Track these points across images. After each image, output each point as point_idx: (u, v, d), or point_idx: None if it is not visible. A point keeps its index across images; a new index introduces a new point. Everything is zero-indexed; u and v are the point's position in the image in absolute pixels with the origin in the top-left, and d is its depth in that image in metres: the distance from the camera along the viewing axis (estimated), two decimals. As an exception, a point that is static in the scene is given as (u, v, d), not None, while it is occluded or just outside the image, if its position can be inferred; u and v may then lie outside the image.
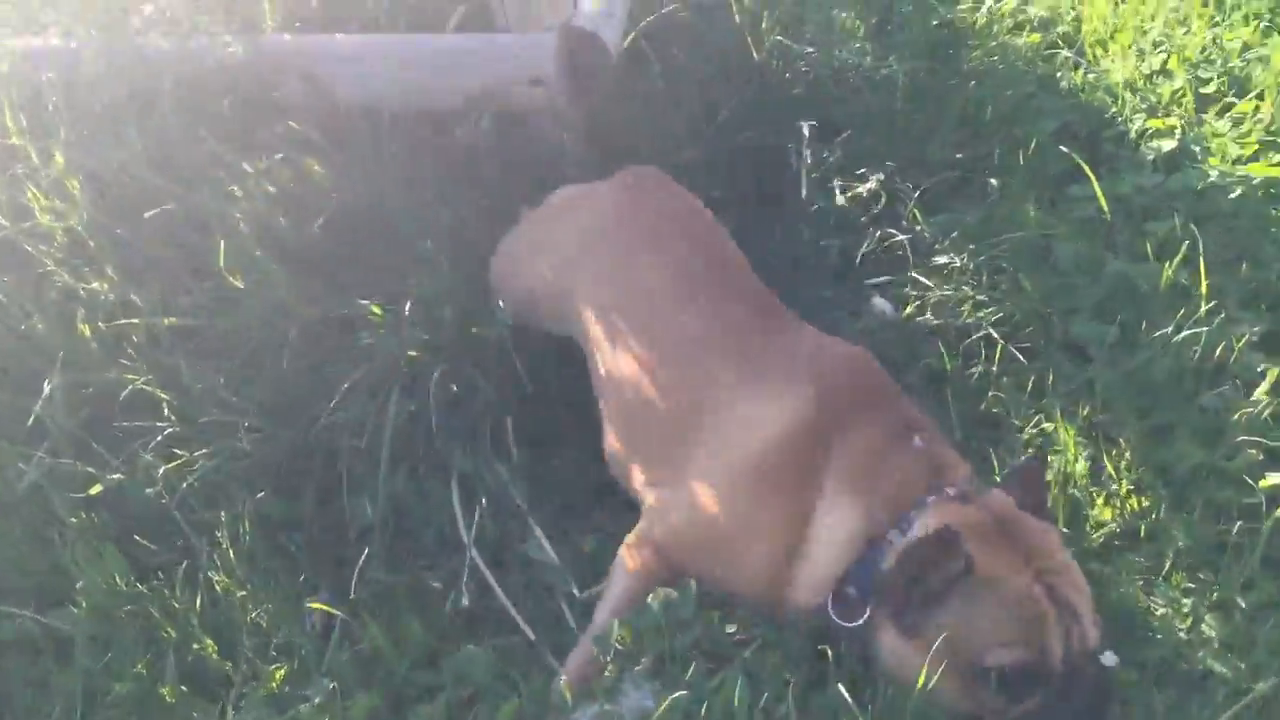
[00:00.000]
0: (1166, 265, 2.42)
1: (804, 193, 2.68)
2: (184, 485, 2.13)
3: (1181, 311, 2.32)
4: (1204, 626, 1.87)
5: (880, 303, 2.54)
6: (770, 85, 2.90)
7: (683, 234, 2.28)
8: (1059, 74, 3.22)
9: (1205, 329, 2.28)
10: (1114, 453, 2.15)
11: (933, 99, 3.01)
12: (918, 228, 2.65)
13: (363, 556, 2.08)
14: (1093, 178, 2.65)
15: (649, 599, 1.87)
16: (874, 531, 1.81)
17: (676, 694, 1.72)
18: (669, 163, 2.67)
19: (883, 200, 2.72)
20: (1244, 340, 2.29)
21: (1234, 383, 2.26)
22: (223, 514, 2.08)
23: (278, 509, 2.19)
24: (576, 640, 1.93)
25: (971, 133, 2.97)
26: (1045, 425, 2.23)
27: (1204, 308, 2.32)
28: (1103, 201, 2.63)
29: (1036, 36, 3.37)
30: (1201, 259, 2.39)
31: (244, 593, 2.00)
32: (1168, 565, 1.97)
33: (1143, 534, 2.03)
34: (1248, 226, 2.65)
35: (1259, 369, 2.28)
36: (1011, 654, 1.67)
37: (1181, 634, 1.87)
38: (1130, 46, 3.30)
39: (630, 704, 1.80)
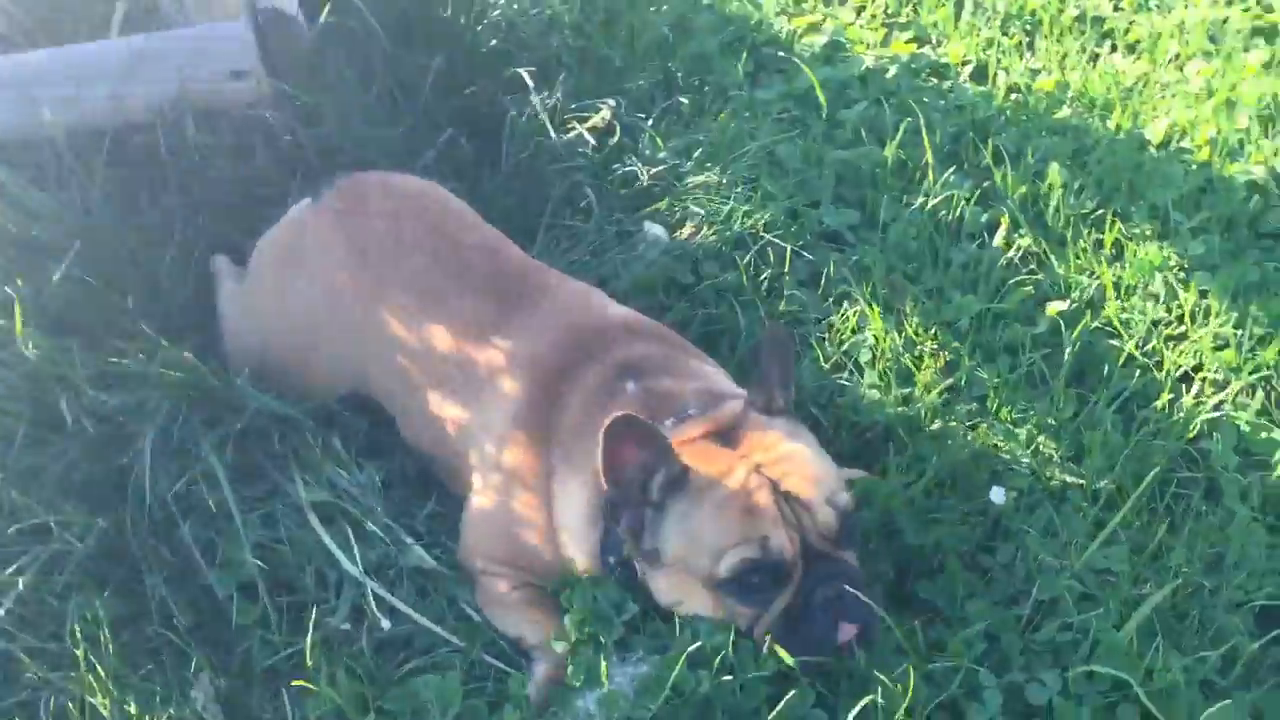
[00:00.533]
0: (891, 145, 2.72)
1: (552, 136, 2.67)
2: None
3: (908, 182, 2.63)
4: (1042, 448, 2.16)
5: (652, 228, 2.62)
6: (466, 41, 2.84)
7: (415, 244, 2.18)
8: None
9: (934, 197, 2.61)
10: (907, 320, 2.41)
11: (624, 32, 3.08)
12: (661, 154, 2.74)
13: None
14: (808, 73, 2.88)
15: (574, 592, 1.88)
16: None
17: (670, 654, 1.76)
18: (387, 139, 2.59)
19: (618, 133, 2.77)
20: (966, 200, 2.64)
21: (970, 237, 2.60)
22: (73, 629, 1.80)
23: (128, 605, 1.93)
24: (496, 639, 1.95)
25: (662, 61, 3.09)
26: (844, 311, 2.44)
27: (932, 178, 2.64)
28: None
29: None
30: (923, 135, 2.70)
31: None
32: (995, 405, 2.25)
33: (963, 383, 2.30)
34: (912, 99, 3.00)
35: (982, 220, 2.63)
36: (738, 556, 1.70)
37: (1026, 461, 2.14)
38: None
39: (623, 677, 1.81)
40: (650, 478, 1.76)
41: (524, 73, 2.75)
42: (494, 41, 2.87)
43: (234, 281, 2.37)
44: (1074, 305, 2.43)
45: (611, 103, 2.74)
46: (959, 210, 2.64)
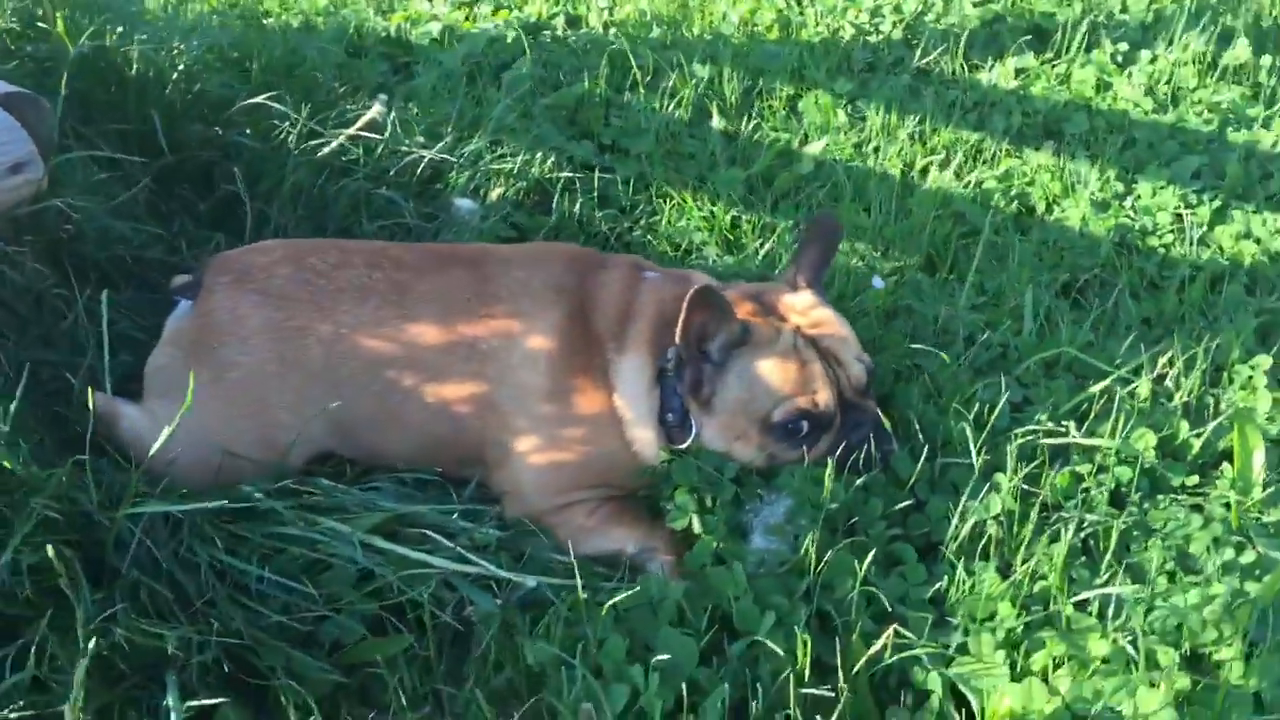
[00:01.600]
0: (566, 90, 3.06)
1: (323, 153, 2.61)
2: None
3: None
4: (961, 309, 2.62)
5: (461, 202, 2.70)
6: (167, 100, 2.63)
7: (340, 265, 2.13)
8: None
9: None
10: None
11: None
12: (419, 139, 2.80)
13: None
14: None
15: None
16: (659, 365, 2.06)
17: (797, 481, 2.01)
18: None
19: (388, 128, 2.77)
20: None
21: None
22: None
23: None
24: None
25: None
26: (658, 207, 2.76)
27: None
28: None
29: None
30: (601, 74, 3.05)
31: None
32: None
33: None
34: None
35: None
36: (793, 405, 2.00)
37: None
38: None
39: (771, 516, 2.04)
40: (711, 339, 2.01)
41: (263, 101, 2.63)
42: (190, 93, 2.69)
43: (136, 409, 2.08)
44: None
45: (383, 96, 2.73)
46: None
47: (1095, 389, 2.13)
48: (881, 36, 3.52)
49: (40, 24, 2.55)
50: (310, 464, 2.10)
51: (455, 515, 2.01)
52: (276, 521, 1.88)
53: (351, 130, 2.61)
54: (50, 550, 1.57)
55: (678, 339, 1.98)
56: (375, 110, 2.57)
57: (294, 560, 1.87)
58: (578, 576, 1.81)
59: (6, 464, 1.65)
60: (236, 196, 2.53)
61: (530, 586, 1.91)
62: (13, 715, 1.54)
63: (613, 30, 3.54)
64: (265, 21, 3.38)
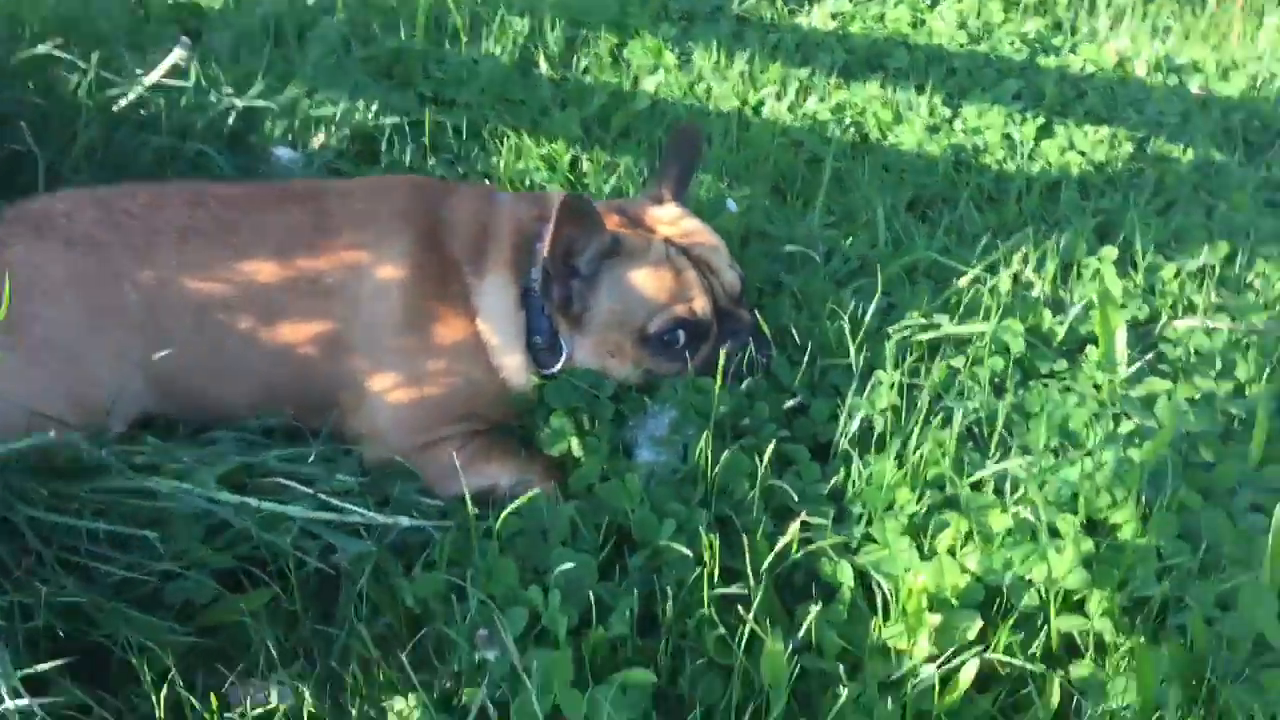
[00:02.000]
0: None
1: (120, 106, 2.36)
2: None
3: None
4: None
5: (281, 151, 2.50)
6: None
7: (155, 205, 1.92)
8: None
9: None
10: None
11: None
12: (227, 89, 2.58)
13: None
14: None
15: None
16: (522, 285, 1.96)
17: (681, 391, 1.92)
18: None
19: (193, 74, 2.53)
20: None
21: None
22: None
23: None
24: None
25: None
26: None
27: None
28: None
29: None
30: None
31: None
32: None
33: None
34: None
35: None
36: (669, 314, 1.90)
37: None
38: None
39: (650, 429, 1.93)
40: (579, 253, 1.90)
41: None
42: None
43: None
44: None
45: (185, 39, 2.48)
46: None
47: (962, 282, 2.12)
48: (699, -9, 3.50)
49: None
50: (132, 428, 1.86)
51: (310, 460, 1.82)
52: (104, 476, 1.65)
53: (153, 76, 2.37)
54: None
55: (545, 253, 1.86)
56: (177, 54, 2.35)
57: (129, 517, 1.64)
58: (465, 508, 1.65)
59: None
60: (20, 159, 2.26)
61: (403, 526, 1.74)
62: None
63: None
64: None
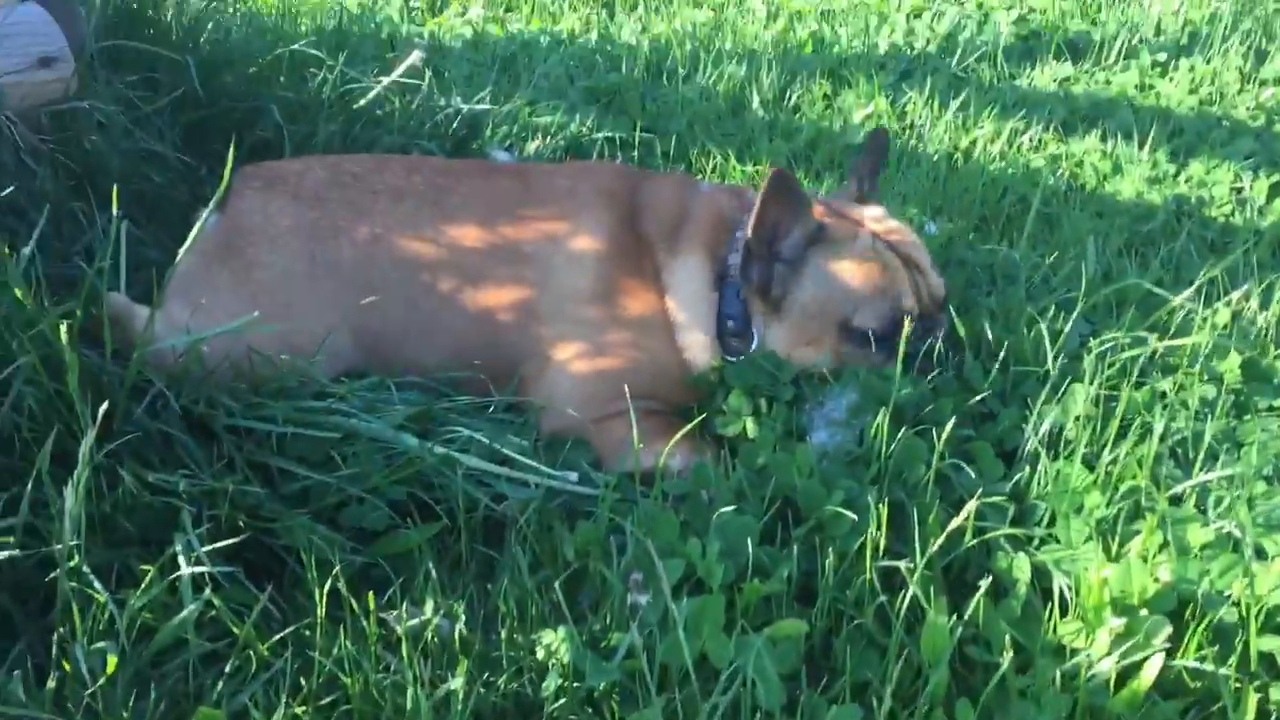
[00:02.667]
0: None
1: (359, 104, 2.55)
2: None
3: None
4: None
5: (498, 153, 2.63)
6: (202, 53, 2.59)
7: (376, 170, 2.06)
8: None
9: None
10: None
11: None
12: (456, 98, 2.75)
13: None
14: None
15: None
16: (717, 270, 1.97)
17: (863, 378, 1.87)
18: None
19: (427, 77, 2.72)
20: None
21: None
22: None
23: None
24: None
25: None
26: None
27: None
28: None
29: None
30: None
31: None
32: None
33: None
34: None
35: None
36: (874, 307, 1.88)
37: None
38: None
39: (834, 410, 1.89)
40: (784, 236, 1.89)
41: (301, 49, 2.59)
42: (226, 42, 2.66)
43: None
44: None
45: (421, 41, 2.68)
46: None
47: (1176, 301, 2.00)
48: (916, 51, 3.51)
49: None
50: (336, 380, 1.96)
51: (490, 413, 1.87)
52: (300, 397, 1.74)
53: (391, 77, 2.55)
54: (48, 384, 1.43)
55: (749, 231, 1.87)
56: (415, 56, 2.52)
57: (318, 441, 1.72)
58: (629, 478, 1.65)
59: (18, 293, 1.52)
60: (268, 147, 2.46)
61: (571, 483, 1.76)
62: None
63: (646, 43, 3.54)
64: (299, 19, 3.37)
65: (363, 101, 2.57)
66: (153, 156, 2.29)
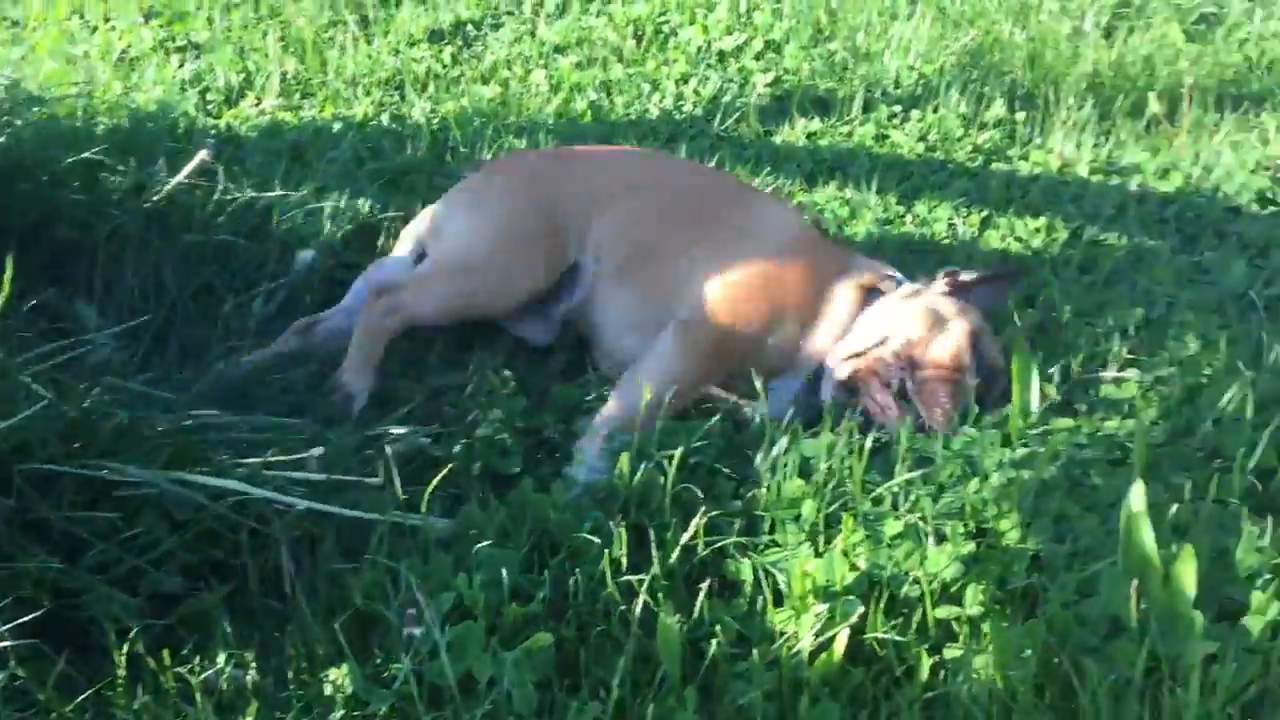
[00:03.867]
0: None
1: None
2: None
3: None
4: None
5: (303, 254, 2.83)
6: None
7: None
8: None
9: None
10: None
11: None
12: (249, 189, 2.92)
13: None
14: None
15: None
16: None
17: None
18: None
19: (220, 174, 2.88)
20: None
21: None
22: None
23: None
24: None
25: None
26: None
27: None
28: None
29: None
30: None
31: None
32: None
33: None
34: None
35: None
36: None
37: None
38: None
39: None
40: None
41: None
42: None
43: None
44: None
45: (210, 142, 2.85)
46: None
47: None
48: (684, 115, 3.84)
49: None
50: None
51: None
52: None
53: (179, 177, 2.72)
54: None
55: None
56: (202, 154, 2.70)
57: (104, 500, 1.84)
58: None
59: None
60: (67, 249, 2.59)
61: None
62: None
63: (436, 122, 3.77)
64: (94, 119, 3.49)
65: (154, 199, 2.73)
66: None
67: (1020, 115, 3.71)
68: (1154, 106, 3.68)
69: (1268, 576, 1.73)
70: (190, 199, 2.77)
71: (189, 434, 1.91)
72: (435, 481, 1.90)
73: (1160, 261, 2.85)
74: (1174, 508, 1.84)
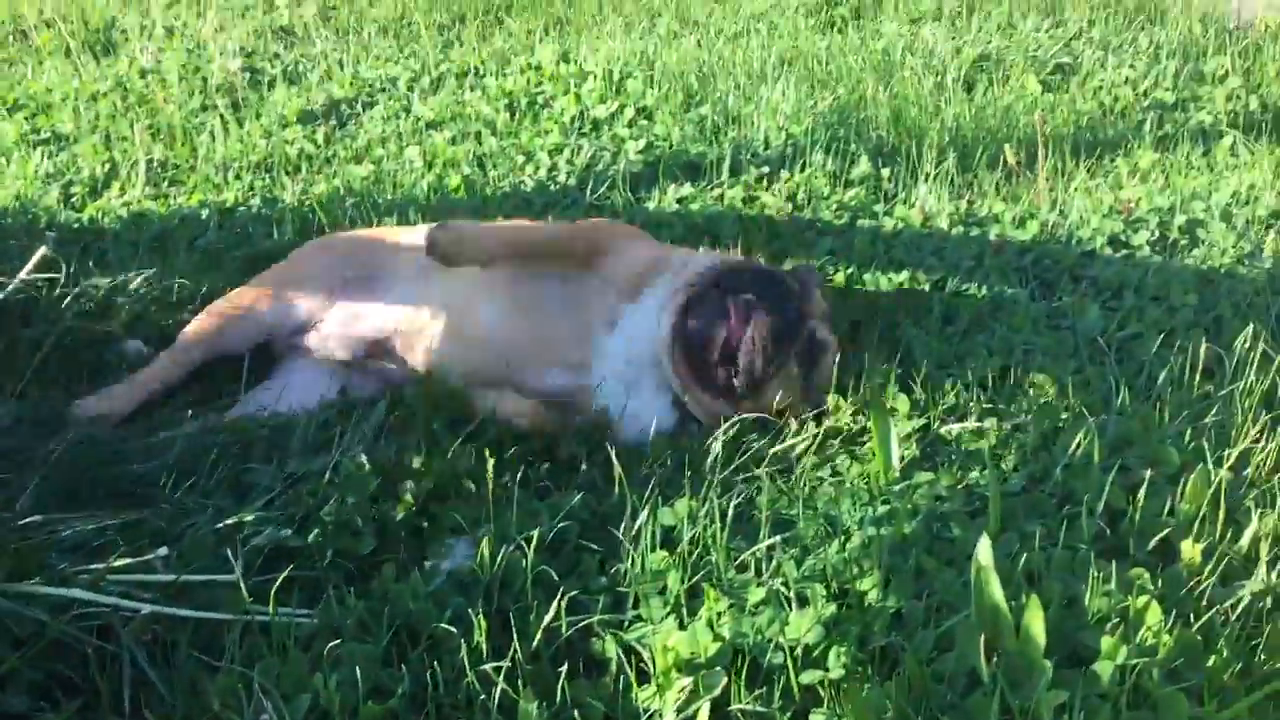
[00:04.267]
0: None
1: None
2: None
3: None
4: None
5: (132, 344, 2.79)
6: None
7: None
8: None
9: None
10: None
11: None
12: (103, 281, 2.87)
13: None
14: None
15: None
16: None
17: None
18: None
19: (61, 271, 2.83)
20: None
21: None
22: None
23: None
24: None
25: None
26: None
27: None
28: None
29: None
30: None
31: None
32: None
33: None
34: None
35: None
36: None
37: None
38: None
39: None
40: None
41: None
42: None
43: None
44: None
45: (51, 235, 2.79)
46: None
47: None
48: (559, 185, 3.87)
49: None
50: None
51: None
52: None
53: (20, 276, 2.66)
54: None
55: None
56: (42, 251, 2.64)
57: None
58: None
59: None
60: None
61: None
62: None
63: (308, 203, 3.75)
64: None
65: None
66: None
67: (885, 171, 3.81)
68: (1009, 157, 3.80)
69: (1115, 620, 1.77)
70: (40, 295, 2.71)
71: (26, 539, 1.84)
72: (284, 574, 1.86)
73: (1019, 309, 2.92)
74: (1024, 556, 1.87)
